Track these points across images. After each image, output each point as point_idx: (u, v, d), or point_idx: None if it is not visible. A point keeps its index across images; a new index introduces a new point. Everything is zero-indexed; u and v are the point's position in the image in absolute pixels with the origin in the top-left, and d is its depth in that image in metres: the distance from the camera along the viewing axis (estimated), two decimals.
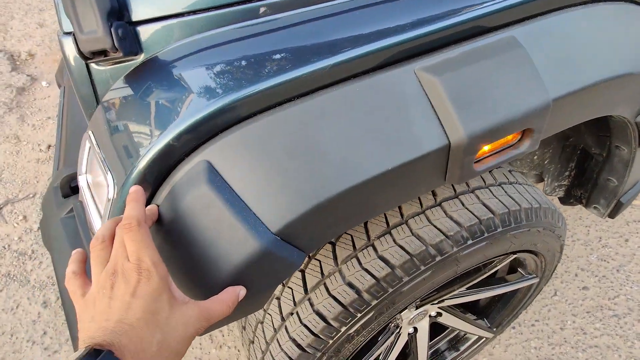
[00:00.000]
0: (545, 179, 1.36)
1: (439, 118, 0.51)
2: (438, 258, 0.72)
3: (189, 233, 0.48)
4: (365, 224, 0.76)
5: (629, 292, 1.61)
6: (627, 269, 1.69)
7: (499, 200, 0.78)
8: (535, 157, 1.35)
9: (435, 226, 0.73)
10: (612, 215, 1.15)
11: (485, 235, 0.75)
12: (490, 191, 0.80)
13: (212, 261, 0.48)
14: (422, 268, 0.72)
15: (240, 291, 0.49)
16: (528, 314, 1.56)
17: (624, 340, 1.48)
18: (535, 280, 1.09)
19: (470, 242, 0.74)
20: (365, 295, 0.71)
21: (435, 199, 0.77)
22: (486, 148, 0.58)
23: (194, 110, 0.48)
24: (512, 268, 1.11)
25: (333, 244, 0.77)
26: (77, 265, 0.48)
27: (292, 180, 0.46)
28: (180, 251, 0.50)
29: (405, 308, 0.78)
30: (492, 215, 0.75)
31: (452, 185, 0.79)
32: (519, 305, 1.20)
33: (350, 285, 0.71)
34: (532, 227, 0.82)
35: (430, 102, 0.51)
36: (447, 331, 1.27)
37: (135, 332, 0.40)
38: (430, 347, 1.13)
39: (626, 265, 1.70)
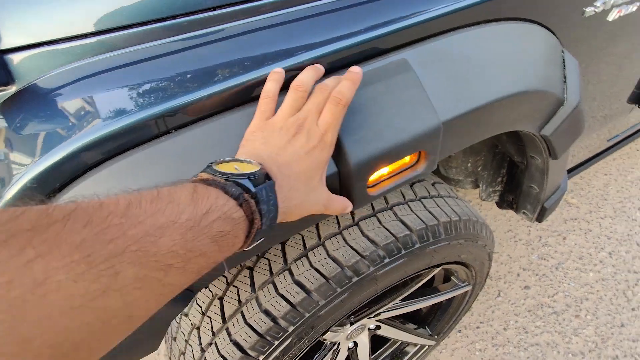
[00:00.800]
0: (480, 185, 1.40)
1: None
2: (355, 279, 0.71)
3: None
4: (283, 247, 0.75)
5: (567, 288, 1.68)
6: (565, 266, 1.76)
7: (417, 216, 0.79)
8: (469, 165, 1.39)
9: (351, 246, 0.72)
10: (539, 219, 1.19)
11: (403, 252, 0.75)
12: (409, 207, 0.80)
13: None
14: (339, 290, 0.71)
15: (349, 206, 0.53)
16: (473, 316, 1.60)
17: (562, 336, 1.54)
18: (468, 288, 1.11)
19: (387, 260, 0.74)
20: (282, 322, 0.69)
21: (353, 218, 0.77)
22: (385, 171, 0.57)
23: (57, 148, 0.44)
24: (447, 277, 1.13)
25: (251, 269, 0.75)
26: (275, 87, 0.48)
27: None
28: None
29: (327, 330, 0.77)
30: (409, 232, 0.76)
31: (372, 205, 0.79)
32: (457, 311, 1.22)
33: (266, 312, 0.69)
34: (453, 240, 0.83)
35: None
36: (389, 342, 1.27)
37: (292, 182, 0.44)
38: None
39: (564, 263, 1.77)
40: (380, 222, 0.76)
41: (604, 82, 1.00)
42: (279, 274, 0.72)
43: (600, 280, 1.70)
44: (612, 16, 0.82)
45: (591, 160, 1.49)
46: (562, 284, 1.70)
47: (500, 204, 1.43)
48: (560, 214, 1.97)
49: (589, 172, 2.18)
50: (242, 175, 0.38)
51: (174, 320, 0.85)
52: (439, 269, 0.92)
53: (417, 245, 0.77)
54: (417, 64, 0.56)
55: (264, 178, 0.40)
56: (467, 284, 1.10)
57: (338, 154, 0.50)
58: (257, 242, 0.41)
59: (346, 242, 0.73)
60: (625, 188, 2.08)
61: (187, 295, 0.50)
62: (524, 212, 1.24)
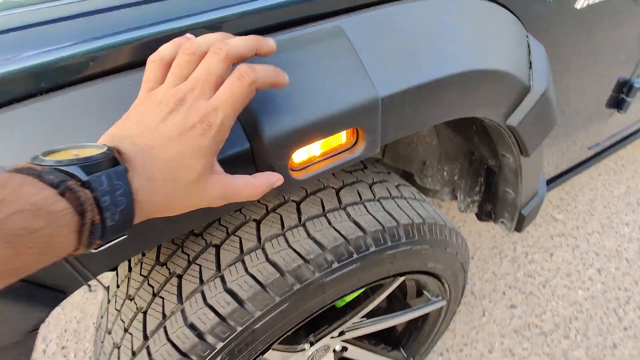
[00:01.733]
0: (458, 195, 1.32)
1: (238, 118, 0.42)
2: (297, 286, 0.62)
3: None
4: (218, 251, 0.65)
5: (555, 307, 1.58)
6: (553, 284, 1.66)
7: (373, 217, 0.70)
8: (445, 174, 1.31)
9: (293, 249, 0.63)
10: (518, 228, 1.11)
11: (355, 256, 0.66)
12: (365, 207, 0.71)
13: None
14: (278, 300, 0.61)
15: (277, 180, 0.43)
16: (456, 338, 1.48)
17: (551, 358, 1.42)
18: (442, 303, 1.01)
19: (335, 265, 0.64)
20: (209, 338, 0.59)
21: (299, 218, 0.68)
22: (317, 152, 0.49)
23: None
24: (419, 292, 1.03)
25: (180, 277, 0.65)
26: (168, 51, 0.39)
27: None
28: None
29: (268, 348, 0.67)
30: (362, 234, 0.67)
31: (322, 204, 0.70)
32: (433, 330, 1.11)
33: (192, 326, 0.59)
34: (415, 244, 0.75)
35: None
36: None
37: (154, 171, 0.35)
38: None
39: (552, 280, 1.68)
40: (329, 223, 0.67)
41: (577, 78, 0.94)
42: (209, 281, 0.62)
43: (590, 299, 1.60)
44: (580, 4, 0.76)
45: (573, 170, 1.42)
46: (549, 303, 1.60)
47: (480, 215, 1.34)
48: (546, 230, 1.89)
49: (575, 188, 2.12)
50: (71, 162, 0.30)
51: (99, 341, 0.74)
52: (402, 278, 0.82)
53: (372, 249, 0.68)
54: (354, 33, 0.49)
55: (108, 163, 0.32)
56: (441, 298, 1.00)
57: (250, 125, 0.42)
58: (113, 241, 0.33)
59: (288, 245, 0.64)
60: (612, 203, 2.02)
61: (55, 298, 0.40)
62: (502, 222, 1.16)
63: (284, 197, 0.71)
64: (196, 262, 0.66)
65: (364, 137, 0.49)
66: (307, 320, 0.68)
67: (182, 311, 0.61)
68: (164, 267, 0.69)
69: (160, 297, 0.65)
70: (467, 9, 0.60)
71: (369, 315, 0.93)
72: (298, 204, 0.70)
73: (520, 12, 0.68)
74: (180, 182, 0.36)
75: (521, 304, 1.59)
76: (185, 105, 0.36)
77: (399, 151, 1.29)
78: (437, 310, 1.06)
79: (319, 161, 0.49)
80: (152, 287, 0.67)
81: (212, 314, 0.59)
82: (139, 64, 0.42)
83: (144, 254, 0.74)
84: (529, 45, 0.69)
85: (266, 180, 0.43)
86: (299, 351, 0.87)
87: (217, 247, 0.66)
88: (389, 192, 0.79)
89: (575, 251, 1.79)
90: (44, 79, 0.38)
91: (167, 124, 0.36)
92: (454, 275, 0.94)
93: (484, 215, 1.30)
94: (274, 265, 0.62)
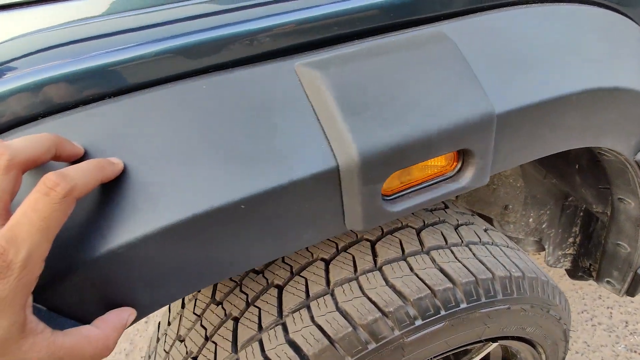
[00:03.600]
0: (546, 246, 1.14)
1: (323, 129, 0.35)
2: (372, 345, 0.51)
3: None
4: (280, 293, 0.57)
5: None
6: None
7: (463, 265, 0.58)
8: (531, 220, 1.15)
9: (368, 298, 0.53)
10: (631, 292, 0.91)
11: (443, 313, 0.54)
12: (452, 252, 0.60)
13: None
14: None
15: (129, 316, 0.33)
16: None
17: None
18: None
19: (419, 322, 0.53)
20: None
21: (375, 261, 0.58)
22: (410, 179, 0.40)
23: None
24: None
25: (236, 320, 0.57)
26: None
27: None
28: None
29: None
30: (451, 285, 0.55)
31: (401, 245, 0.60)
32: None
33: None
34: (514, 304, 0.61)
35: (312, 107, 0.35)
36: None
37: None
38: None
39: None
40: (411, 269, 0.56)
41: None
42: (269, 328, 0.53)
43: None
44: None
45: None
46: None
47: (573, 272, 1.15)
48: None
49: None
50: None
51: None
52: (495, 345, 0.68)
53: (463, 305, 0.55)
54: (459, 40, 0.42)
55: None
56: None
57: (338, 139, 0.34)
58: None
59: (362, 292, 0.54)
60: None
61: None
62: (608, 281, 0.96)
63: (356, 235, 0.62)
64: (255, 304, 0.57)
65: (473, 163, 0.39)
66: None
67: None
68: (220, 306, 0.61)
69: (213, 342, 0.57)
70: (590, 18, 0.51)
71: None
72: (373, 243, 0.61)
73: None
74: None
75: None
76: None
77: (478, 193, 1.16)
78: None
79: (415, 189, 0.40)
80: (205, 329, 0.59)
81: None
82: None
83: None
84: None
85: (114, 321, 0.32)
86: None
87: (280, 288, 0.58)
88: (478, 237, 0.67)
89: None
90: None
91: None
92: (554, 344, 0.77)
93: (579, 272, 1.10)
94: (345, 315, 0.52)
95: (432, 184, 0.40)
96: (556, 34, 0.47)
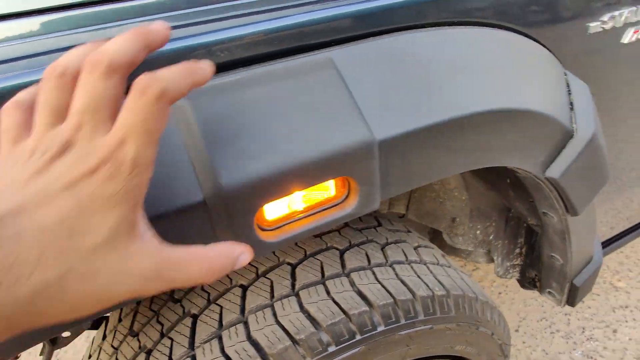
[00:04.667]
0: (495, 257, 1.16)
1: (191, 162, 0.34)
2: None
3: None
4: (195, 322, 0.55)
5: None
6: None
7: (382, 287, 0.58)
8: (479, 232, 1.16)
9: (281, 325, 0.51)
10: (570, 302, 0.92)
11: (358, 337, 0.53)
12: (373, 274, 0.60)
13: None
14: None
15: (243, 253, 0.30)
16: None
17: None
18: None
19: (332, 348, 0.52)
20: None
21: (293, 285, 0.57)
22: (298, 207, 0.40)
23: None
24: None
25: (149, 352, 0.55)
26: (28, 97, 0.29)
27: None
28: None
29: None
30: (367, 308, 0.54)
31: (322, 268, 0.59)
32: None
33: None
34: (438, 323, 0.61)
35: (184, 140, 0.34)
36: None
37: (27, 245, 0.23)
38: None
39: None
40: (328, 292, 0.55)
41: (629, 125, 0.80)
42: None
43: None
44: (628, 37, 0.66)
45: (632, 231, 1.22)
46: None
47: (522, 282, 1.16)
48: (605, 300, 1.63)
49: (637, 251, 1.85)
50: None
51: None
52: None
53: (381, 328, 0.55)
54: (347, 66, 0.41)
55: None
56: None
57: (204, 171, 0.33)
58: None
59: (276, 320, 0.52)
60: None
61: None
62: (549, 292, 0.98)
63: (278, 259, 0.61)
64: (169, 335, 0.55)
65: (357, 190, 0.39)
66: None
67: None
68: (135, 338, 0.59)
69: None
70: (490, 42, 0.52)
71: None
72: (294, 267, 0.60)
73: (555, 47, 0.59)
74: (76, 256, 0.25)
75: None
76: (74, 149, 0.26)
77: (425, 206, 1.16)
78: None
79: (300, 218, 0.39)
80: None
81: None
82: None
83: (120, 320, 0.65)
84: (568, 84, 0.59)
85: (226, 252, 0.30)
86: None
87: (195, 317, 0.56)
88: (405, 256, 0.67)
89: None
90: None
91: (46, 176, 0.25)
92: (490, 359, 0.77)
93: (527, 282, 1.12)
94: (255, 345, 0.50)
95: (318, 212, 0.40)
96: (456, 57, 0.48)
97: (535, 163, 0.54)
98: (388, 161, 0.40)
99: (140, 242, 0.27)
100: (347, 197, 0.40)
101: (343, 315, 0.53)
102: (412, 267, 0.64)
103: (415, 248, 0.71)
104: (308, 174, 0.35)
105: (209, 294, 0.58)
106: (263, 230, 0.37)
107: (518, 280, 1.20)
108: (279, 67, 0.39)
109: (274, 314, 0.53)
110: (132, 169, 0.26)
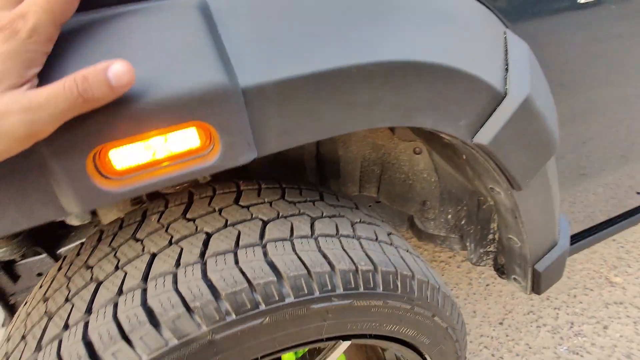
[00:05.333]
0: (467, 244, 1.11)
1: None
2: (173, 342, 0.47)
3: None
4: (97, 287, 0.53)
5: None
6: None
7: (298, 258, 0.55)
8: (450, 217, 1.11)
9: (178, 292, 0.49)
10: (535, 289, 0.87)
11: (263, 308, 0.50)
12: (292, 245, 0.56)
13: None
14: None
15: (116, 67, 0.31)
16: None
17: None
18: None
19: (232, 318, 0.49)
20: None
21: (202, 253, 0.54)
22: (159, 157, 0.37)
23: None
24: None
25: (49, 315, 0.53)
26: None
27: None
28: None
29: None
30: (274, 278, 0.51)
31: (238, 237, 0.57)
32: None
33: None
34: (360, 299, 0.57)
35: None
36: None
37: None
38: None
39: None
40: (236, 262, 0.53)
41: (597, 95, 0.74)
42: (74, 325, 0.50)
43: None
44: None
45: (621, 220, 1.14)
46: None
47: (497, 271, 1.11)
48: (599, 296, 1.55)
49: (638, 244, 1.76)
50: None
51: None
52: (347, 343, 0.63)
53: (290, 300, 0.52)
54: (223, 10, 0.38)
55: None
56: None
57: None
58: None
59: (175, 287, 0.50)
60: None
61: None
62: (514, 279, 0.93)
63: (196, 227, 0.59)
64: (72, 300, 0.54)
65: (219, 141, 0.36)
66: None
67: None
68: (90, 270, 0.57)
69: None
70: None
71: None
72: (209, 236, 0.57)
73: (496, 4, 0.54)
74: None
75: None
76: None
77: (395, 189, 1.12)
78: None
79: (156, 169, 0.36)
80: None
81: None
82: None
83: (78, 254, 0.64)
84: (506, 43, 0.54)
85: (95, 68, 0.31)
86: None
87: (99, 283, 0.54)
88: (337, 230, 0.63)
89: (638, 325, 1.43)
90: None
91: None
92: (438, 347, 0.73)
93: (498, 270, 1.06)
94: (149, 312, 0.48)
95: (179, 163, 0.37)
96: (360, 6, 0.44)
97: (458, 126, 0.49)
98: (261, 111, 0.37)
99: (12, 93, 0.31)
100: (212, 149, 0.37)
101: (246, 284, 0.50)
102: (340, 241, 0.61)
103: (353, 224, 0.68)
104: (147, 117, 0.32)
105: (118, 260, 0.57)
106: (105, 177, 0.34)
107: (496, 270, 1.15)
108: (144, 5, 0.36)
109: (175, 281, 0.51)
110: (29, 37, 0.31)
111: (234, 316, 0.49)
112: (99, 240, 0.64)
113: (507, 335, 1.44)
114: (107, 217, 0.88)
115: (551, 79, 0.60)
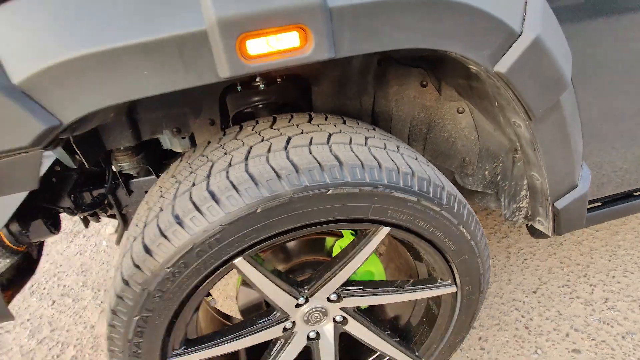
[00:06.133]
0: (502, 200, 1.23)
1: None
2: (266, 195, 0.68)
3: None
4: (212, 165, 0.76)
5: None
6: (637, 338, 1.37)
7: (354, 154, 0.74)
8: (487, 173, 1.24)
9: (270, 165, 0.71)
10: (556, 229, 0.99)
11: (328, 181, 0.71)
12: (350, 147, 0.76)
13: None
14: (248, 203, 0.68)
15: None
16: None
17: None
18: (452, 289, 0.94)
19: (306, 184, 0.70)
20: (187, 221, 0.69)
21: (286, 143, 0.75)
22: (273, 49, 0.58)
23: None
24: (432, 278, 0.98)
25: (179, 182, 0.77)
26: None
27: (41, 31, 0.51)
28: None
29: (239, 254, 0.72)
30: (337, 163, 0.71)
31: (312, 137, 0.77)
32: (447, 327, 1.02)
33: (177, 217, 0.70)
34: (399, 191, 0.75)
35: None
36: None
37: None
38: None
39: (636, 334, 1.38)
40: (310, 151, 0.73)
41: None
42: (197, 184, 0.73)
43: None
44: None
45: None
46: (628, 358, 1.31)
47: (529, 229, 1.22)
48: (639, 279, 1.58)
49: None
50: None
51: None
52: (387, 229, 0.81)
53: (346, 180, 0.71)
54: None
55: None
56: (449, 283, 0.94)
57: (205, 7, 0.53)
58: None
59: (268, 162, 0.71)
60: None
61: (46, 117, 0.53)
62: (538, 220, 1.05)
63: (280, 132, 0.80)
64: (196, 171, 0.77)
65: (312, 39, 0.56)
66: (279, 239, 0.73)
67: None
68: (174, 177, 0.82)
69: (163, 197, 0.77)
70: None
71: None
72: (290, 137, 0.78)
73: None
74: None
75: (588, 351, 1.34)
76: None
77: (439, 146, 1.27)
78: (450, 305, 0.98)
79: (272, 57, 0.57)
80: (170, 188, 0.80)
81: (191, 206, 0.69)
82: None
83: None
84: None
85: None
86: (296, 306, 0.90)
87: (213, 163, 0.77)
88: (385, 146, 0.82)
89: None
90: None
91: None
92: (461, 254, 0.88)
93: (528, 219, 1.18)
94: (251, 176, 0.70)
95: (285, 53, 0.57)
96: None
97: (482, 55, 0.66)
98: (339, 25, 0.57)
99: None
100: (307, 47, 0.57)
101: (317, 165, 0.71)
102: (387, 152, 0.79)
103: (398, 147, 0.86)
104: (272, 17, 0.53)
105: (225, 150, 0.79)
106: (244, 57, 0.56)
107: (527, 228, 1.27)
108: None
109: (267, 160, 0.72)
110: None
111: (307, 183, 0.70)
112: (208, 144, 0.88)
113: (539, 302, 1.53)
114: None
115: None
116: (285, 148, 0.74)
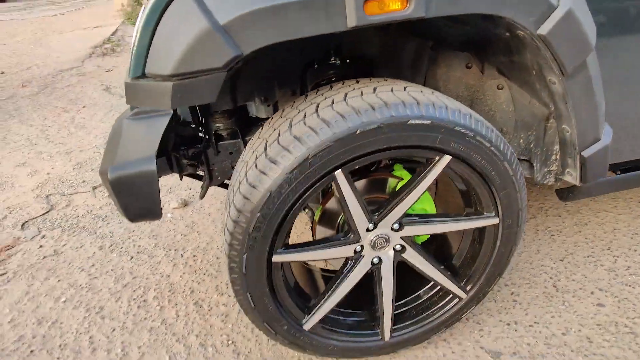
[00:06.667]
0: (534, 164, 1.44)
1: None
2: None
3: None
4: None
5: None
6: None
7: (409, 95, 0.98)
8: (522, 141, 1.45)
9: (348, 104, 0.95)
10: (583, 177, 1.19)
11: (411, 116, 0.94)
12: (392, 92, 0.99)
13: None
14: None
15: None
16: (528, 315, 1.48)
17: (638, 356, 1.31)
18: (495, 221, 1.15)
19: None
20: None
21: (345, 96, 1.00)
22: (378, 8, 0.83)
23: None
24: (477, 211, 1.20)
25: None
26: None
27: None
28: None
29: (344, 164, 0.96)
30: (412, 100, 0.95)
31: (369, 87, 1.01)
32: (489, 258, 1.22)
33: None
34: (460, 126, 0.98)
35: None
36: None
37: None
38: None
39: None
40: (392, 90, 0.97)
41: None
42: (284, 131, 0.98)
43: None
44: None
45: None
46: None
47: (559, 191, 1.42)
48: None
49: None
50: None
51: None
52: (448, 158, 1.03)
53: (422, 114, 0.95)
54: None
55: None
56: (493, 214, 1.15)
57: None
58: None
59: (362, 99, 0.96)
60: None
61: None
62: (568, 172, 1.25)
63: (364, 83, 1.05)
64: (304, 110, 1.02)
65: (412, 1, 0.81)
66: (369, 157, 0.97)
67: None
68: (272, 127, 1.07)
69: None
70: None
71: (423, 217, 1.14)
72: (346, 93, 1.03)
73: None
74: None
75: (611, 305, 1.51)
76: None
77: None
78: (493, 236, 1.19)
79: (386, 14, 0.82)
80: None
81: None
82: None
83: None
84: None
85: None
86: (366, 230, 1.12)
87: (318, 104, 1.02)
88: (421, 90, 1.05)
89: None
90: None
91: None
92: (504, 188, 1.10)
93: (557, 178, 1.38)
94: (353, 108, 0.94)
95: (393, 12, 0.82)
96: None
97: (529, 20, 0.90)
98: None
99: None
100: (407, 7, 0.82)
101: (383, 103, 0.95)
102: (432, 92, 1.03)
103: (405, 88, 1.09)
104: None
105: (298, 109, 1.04)
106: (366, 13, 0.81)
107: (556, 191, 1.47)
108: None
109: (346, 99, 0.97)
110: None
111: (393, 114, 0.93)
112: (306, 97, 1.13)
113: (565, 268, 1.70)
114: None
115: None
116: (374, 91, 0.99)
